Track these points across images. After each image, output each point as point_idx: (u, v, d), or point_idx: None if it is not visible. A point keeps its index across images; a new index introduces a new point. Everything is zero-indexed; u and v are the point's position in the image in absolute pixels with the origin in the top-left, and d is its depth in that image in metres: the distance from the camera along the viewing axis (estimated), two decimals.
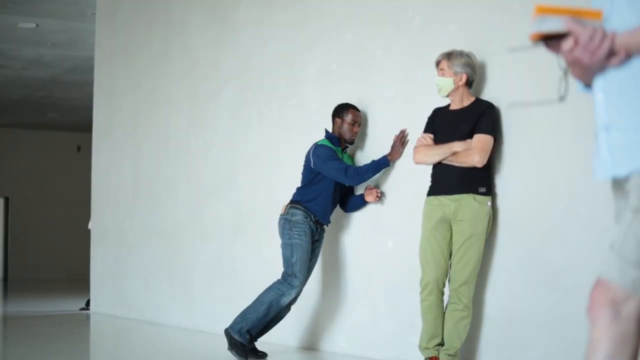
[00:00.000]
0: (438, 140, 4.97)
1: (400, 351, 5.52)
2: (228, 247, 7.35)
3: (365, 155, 5.94)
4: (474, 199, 4.81)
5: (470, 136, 4.84)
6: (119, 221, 9.41)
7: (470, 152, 4.80)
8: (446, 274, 4.92)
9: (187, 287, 7.96)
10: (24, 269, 18.92)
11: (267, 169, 6.92)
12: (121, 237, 9.35)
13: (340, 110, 5.81)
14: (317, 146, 5.75)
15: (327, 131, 5.86)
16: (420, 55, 5.49)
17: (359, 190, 5.91)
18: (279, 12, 6.89)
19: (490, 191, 4.88)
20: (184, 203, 8.11)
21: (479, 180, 4.84)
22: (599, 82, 2.12)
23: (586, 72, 2.12)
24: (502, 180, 4.92)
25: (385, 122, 5.79)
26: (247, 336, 5.65)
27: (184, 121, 8.17)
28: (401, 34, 5.68)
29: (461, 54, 4.92)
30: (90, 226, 10.34)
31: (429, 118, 5.12)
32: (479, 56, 4.99)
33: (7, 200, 19.26)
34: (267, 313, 5.65)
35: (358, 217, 5.99)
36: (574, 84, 2.23)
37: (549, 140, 4.67)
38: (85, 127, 13.75)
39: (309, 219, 5.70)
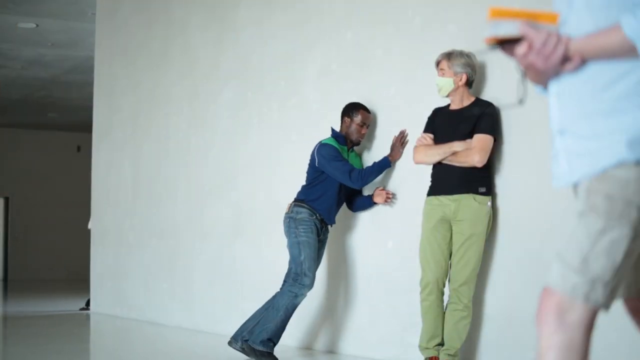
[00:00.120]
0: (438, 140, 4.97)
1: (400, 351, 5.52)
2: (228, 247, 7.35)
3: (365, 155, 5.93)
4: (474, 199, 4.81)
5: (470, 136, 4.84)
6: (119, 221, 9.41)
7: (470, 152, 4.80)
8: (446, 274, 4.92)
9: (187, 287, 7.96)
10: (24, 269, 18.91)
11: (267, 169, 6.91)
12: (121, 237, 9.35)
13: (350, 110, 5.71)
14: (321, 145, 5.67)
15: (333, 130, 5.76)
16: (420, 55, 5.48)
17: (367, 190, 5.86)
18: (279, 12, 6.89)
19: (490, 191, 4.88)
20: (184, 203, 8.11)
21: (479, 180, 4.84)
22: (554, 87, 2.09)
23: (541, 77, 2.10)
24: (502, 180, 4.93)
25: (385, 122, 5.79)
26: (271, 344, 5.57)
27: (184, 121, 8.17)
28: (401, 34, 5.68)
29: (461, 54, 4.92)
30: (90, 226, 10.34)
31: (429, 118, 5.12)
32: (478, 56, 4.99)
33: (7, 200, 19.26)
34: (286, 318, 5.58)
35: (358, 217, 5.99)
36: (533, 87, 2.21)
37: (549, 140, 4.67)
38: (85, 127, 13.75)
39: (314, 217, 5.64)
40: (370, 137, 5.92)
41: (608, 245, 1.95)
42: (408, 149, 5.51)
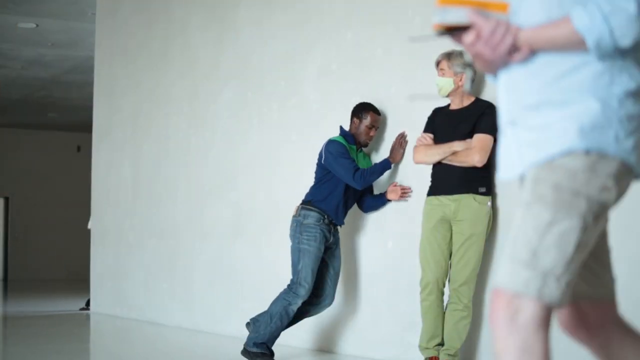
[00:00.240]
0: (438, 140, 4.97)
1: (400, 351, 5.52)
2: (228, 247, 7.35)
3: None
4: (474, 199, 4.81)
5: (470, 136, 4.84)
6: (119, 221, 9.41)
7: (471, 151, 4.80)
8: (446, 274, 4.92)
9: (187, 287, 7.96)
10: (24, 269, 18.91)
11: (267, 169, 6.91)
12: (121, 237, 9.35)
13: (360, 111, 5.62)
14: (329, 142, 5.56)
15: (342, 128, 5.68)
16: (420, 55, 5.48)
17: (377, 189, 5.79)
18: (279, 12, 6.89)
19: (490, 191, 4.88)
20: (184, 203, 8.11)
21: (479, 180, 4.84)
22: (503, 77, 2.04)
23: (490, 66, 2.04)
24: (502, 180, 4.92)
25: (385, 122, 5.79)
26: (264, 346, 5.50)
27: (184, 121, 8.17)
28: (401, 34, 5.68)
29: (461, 54, 4.92)
30: (89, 226, 10.34)
31: (429, 118, 5.12)
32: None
33: (7, 200, 19.26)
34: (281, 324, 5.49)
35: (358, 217, 5.98)
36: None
37: None
38: (85, 127, 13.75)
39: (321, 221, 5.50)
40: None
41: (557, 237, 1.86)
42: (408, 149, 5.52)
